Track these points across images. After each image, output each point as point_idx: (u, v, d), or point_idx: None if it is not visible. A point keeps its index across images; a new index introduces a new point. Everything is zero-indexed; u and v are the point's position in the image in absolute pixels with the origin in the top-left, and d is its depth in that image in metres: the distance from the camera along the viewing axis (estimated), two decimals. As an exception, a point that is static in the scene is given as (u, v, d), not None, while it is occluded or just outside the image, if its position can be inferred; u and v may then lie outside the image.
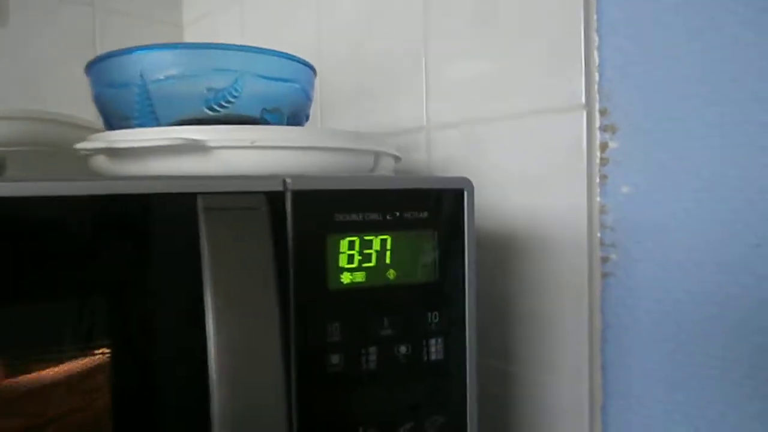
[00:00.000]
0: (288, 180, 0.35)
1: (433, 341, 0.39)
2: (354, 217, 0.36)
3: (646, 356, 0.48)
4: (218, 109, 0.43)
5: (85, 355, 0.34)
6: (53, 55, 0.66)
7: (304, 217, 0.35)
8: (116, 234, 0.32)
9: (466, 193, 0.39)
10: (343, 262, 0.36)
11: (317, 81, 0.53)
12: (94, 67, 0.44)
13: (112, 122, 0.46)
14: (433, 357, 0.39)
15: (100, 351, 0.35)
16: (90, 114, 0.53)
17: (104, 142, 0.41)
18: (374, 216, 0.37)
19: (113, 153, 0.41)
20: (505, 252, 0.56)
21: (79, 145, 0.42)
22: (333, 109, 0.74)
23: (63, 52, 0.53)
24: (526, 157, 0.54)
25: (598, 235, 0.51)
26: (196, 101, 0.43)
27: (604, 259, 0.50)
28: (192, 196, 0.32)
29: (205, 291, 0.32)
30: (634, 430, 0.49)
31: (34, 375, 0.38)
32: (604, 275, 0.51)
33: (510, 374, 0.56)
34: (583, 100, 0.51)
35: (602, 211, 0.51)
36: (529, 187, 0.54)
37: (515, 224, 0.56)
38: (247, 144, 0.42)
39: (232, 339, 0.32)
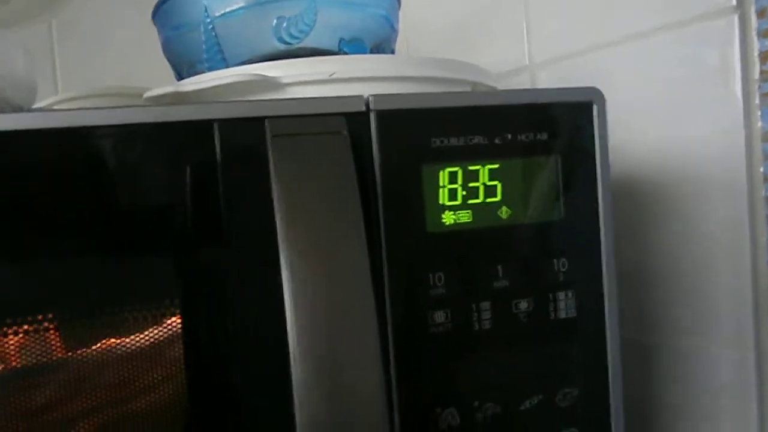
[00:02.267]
0: (371, 98, 0.29)
1: (561, 295, 0.31)
2: (454, 141, 0.29)
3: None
4: (290, 41, 0.38)
5: (154, 319, 0.30)
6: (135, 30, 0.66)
7: (392, 144, 0.29)
8: (174, 170, 0.27)
9: (595, 107, 0.31)
10: (443, 198, 0.30)
11: (400, 17, 0.47)
12: (159, 10, 0.41)
13: (181, 72, 0.42)
14: (562, 314, 0.31)
15: (171, 315, 0.31)
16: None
17: (172, 87, 0.38)
18: (480, 140, 0.30)
19: (181, 98, 0.37)
20: (636, 201, 0.47)
21: (148, 94, 0.39)
22: (418, 52, 0.67)
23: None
24: (657, 85, 0.45)
25: (761, 169, 0.41)
26: (266, 35, 0.38)
27: (772, 199, 0.40)
28: (259, 122, 0.27)
29: (279, 239, 0.27)
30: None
31: (100, 345, 0.35)
32: (773, 218, 0.40)
33: (648, 346, 0.47)
34: (734, 0, 0.40)
35: (766, 138, 0.40)
36: (663, 120, 0.45)
37: (648, 167, 0.46)
38: (325, 77, 0.36)
39: (314, 297, 0.26)
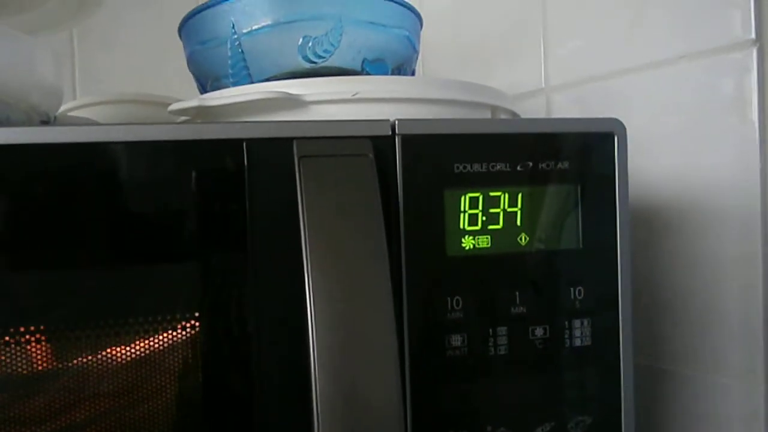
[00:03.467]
0: (396, 122, 0.29)
1: (577, 323, 0.31)
2: (477, 167, 0.30)
3: None
4: (315, 60, 0.38)
5: (172, 327, 0.31)
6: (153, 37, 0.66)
7: (416, 168, 0.29)
8: (202, 187, 0.28)
9: (616, 138, 0.31)
10: (464, 223, 0.30)
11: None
12: (186, 24, 0.41)
13: (205, 86, 0.43)
14: (577, 342, 0.31)
15: (189, 323, 0.32)
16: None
17: (197, 101, 0.38)
18: (501, 167, 0.30)
19: (205, 113, 0.38)
20: (651, 227, 0.47)
21: (173, 107, 0.39)
22: (434, 72, 0.67)
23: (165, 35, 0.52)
24: (675, 113, 0.45)
25: (776, 200, 0.41)
26: (291, 53, 0.38)
27: (786, 231, 0.40)
28: (287, 142, 0.27)
29: (303, 256, 0.27)
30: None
31: (115, 350, 0.35)
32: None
33: (660, 373, 0.47)
34: (753, 34, 0.41)
35: (781, 169, 0.40)
36: (679, 148, 0.45)
37: (662, 194, 0.46)
38: (348, 97, 0.37)
39: (335, 316, 0.27)
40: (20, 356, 0.32)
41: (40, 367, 0.31)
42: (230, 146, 0.28)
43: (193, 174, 0.28)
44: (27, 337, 0.31)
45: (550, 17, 0.54)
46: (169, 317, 0.29)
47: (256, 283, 0.28)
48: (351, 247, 0.27)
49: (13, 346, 0.30)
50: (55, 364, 0.33)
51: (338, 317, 0.27)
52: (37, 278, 0.28)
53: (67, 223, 0.26)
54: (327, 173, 0.27)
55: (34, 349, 0.32)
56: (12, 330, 0.28)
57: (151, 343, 0.34)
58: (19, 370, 0.31)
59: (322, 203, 0.27)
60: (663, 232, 0.46)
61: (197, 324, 0.31)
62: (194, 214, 0.28)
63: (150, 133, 0.26)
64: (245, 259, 0.28)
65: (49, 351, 0.33)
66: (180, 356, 0.35)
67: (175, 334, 0.33)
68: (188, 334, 0.33)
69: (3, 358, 0.31)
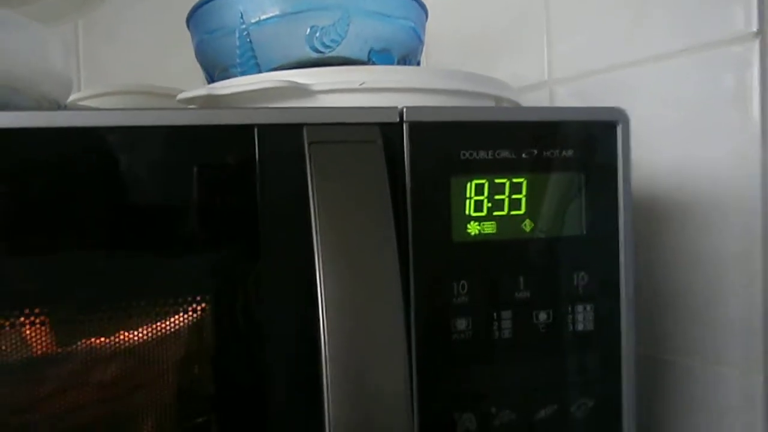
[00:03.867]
0: (404, 110, 0.30)
1: (580, 308, 0.32)
2: (483, 155, 0.30)
3: None
4: (322, 50, 0.39)
5: (180, 314, 0.31)
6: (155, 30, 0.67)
7: (423, 155, 0.30)
8: (213, 172, 0.28)
9: (620, 127, 0.32)
10: (469, 209, 0.31)
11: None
12: (194, 14, 0.42)
13: (213, 75, 0.43)
14: (580, 327, 0.32)
15: (197, 309, 0.32)
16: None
17: (205, 90, 0.38)
18: (507, 154, 0.30)
19: (214, 101, 0.38)
20: (651, 218, 0.47)
21: (181, 96, 0.40)
22: (438, 64, 0.67)
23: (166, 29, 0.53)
24: (677, 105, 0.45)
25: (776, 192, 0.41)
26: (299, 42, 0.39)
27: (786, 223, 0.40)
28: (297, 128, 0.28)
29: (313, 241, 0.28)
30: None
31: (123, 336, 0.36)
32: (787, 243, 0.40)
33: (660, 362, 0.47)
34: (755, 27, 0.41)
35: (782, 161, 0.41)
36: (681, 140, 0.45)
37: (664, 185, 0.47)
38: (355, 86, 0.37)
39: (344, 298, 0.27)
40: (22, 340, 0.33)
41: (43, 352, 0.32)
42: (241, 132, 0.28)
43: (204, 159, 0.28)
44: (31, 319, 0.31)
45: (552, 10, 0.55)
46: (177, 303, 0.30)
47: (266, 266, 0.29)
48: (360, 232, 0.28)
49: (15, 329, 0.31)
50: (57, 349, 0.33)
51: (348, 302, 0.27)
52: (41, 262, 0.29)
53: (75, 208, 0.27)
54: (336, 159, 0.28)
55: (37, 334, 0.33)
56: (15, 313, 0.29)
57: (161, 329, 0.34)
58: (22, 354, 0.32)
59: (331, 189, 0.28)
60: (664, 223, 0.47)
61: (206, 310, 0.32)
62: (204, 199, 0.29)
63: (161, 118, 0.27)
64: (255, 244, 0.29)
65: (52, 336, 0.34)
66: (189, 342, 0.36)
67: (183, 320, 0.33)
68: (197, 321, 0.34)
69: (5, 342, 0.32)
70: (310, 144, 0.28)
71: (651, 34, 0.47)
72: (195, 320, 0.36)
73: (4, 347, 0.32)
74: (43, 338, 0.33)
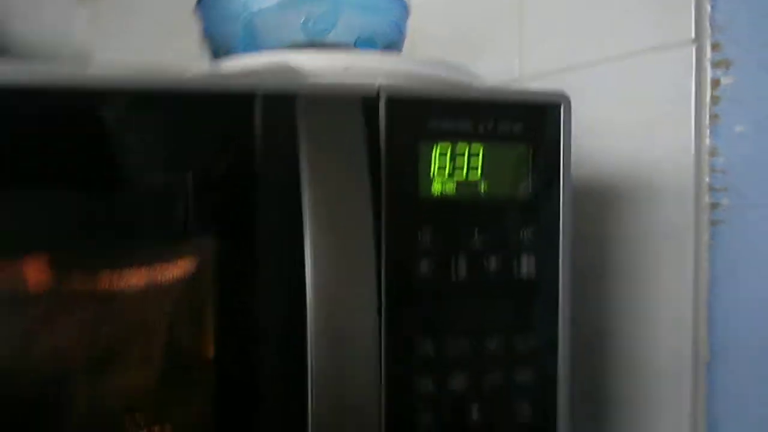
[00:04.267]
0: (381, 87, 0.36)
1: (524, 258, 0.38)
2: (447, 125, 0.36)
3: (763, 310, 0.44)
4: (315, 36, 0.45)
5: (175, 266, 0.37)
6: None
7: (396, 124, 0.36)
8: (219, 131, 0.34)
9: (563, 107, 0.38)
10: (434, 171, 0.37)
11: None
12: (203, 4, 0.47)
13: (218, 57, 0.49)
14: (524, 275, 0.38)
15: (193, 262, 0.38)
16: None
17: (208, 68, 0.44)
18: (467, 126, 0.37)
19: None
20: (601, 202, 0.54)
21: (187, 75, 0.45)
22: (419, 55, 0.73)
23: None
24: (625, 103, 0.52)
25: (707, 179, 0.48)
26: (295, 29, 0.45)
27: (714, 206, 0.47)
28: (291, 98, 0.34)
29: (302, 193, 0.33)
30: (745, 393, 0.45)
31: (125, 279, 0.41)
32: (714, 222, 0.47)
33: (602, 330, 0.54)
34: (693, 34, 0.47)
35: (712, 153, 0.47)
36: (628, 134, 0.51)
37: (614, 174, 0.53)
38: (341, 70, 0.43)
39: (327, 244, 0.33)
40: (19, 279, 0.37)
41: (40, 291, 0.37)
42: (241, 99, 0.34)
43: (210, 124, 0.34)
44: (29, 258, 0.36)
45: (525, 14, 0.61)
46: (171, 259, 0.35)
47: (265, 219, 0.35)
48: (341, 188, 0.34)
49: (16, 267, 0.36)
50: (53, 287, 0.38)
51: (331, 248, 0.33)
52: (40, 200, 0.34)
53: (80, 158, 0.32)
54: (324, 126, 0.34)
55: (35, 273, 0.38)
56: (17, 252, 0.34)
57: (152, 282, 0.40)
58: (19, 292, 0.37)
59: (318, 150, 0.34)
60: (613, 205, 0.53)
61: (200, 266, 0.37)
62: (202, 159, 0.34)
63: (170, 83, 0.33)
64: (251, 198, 0.35)
65: (49, 275, 0.39)
66: (180, 298, 0.42)
67: (176, 275, 0.39)
68: (191, 277, 0.39)
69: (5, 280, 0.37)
70: (303, 110, 0.34)
71: (606, 37, 0.53)
72: (188, 276, 0.42)
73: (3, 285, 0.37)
74: (40, 277, 0.38)
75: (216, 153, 0.35)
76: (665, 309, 0.49)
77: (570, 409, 0.39)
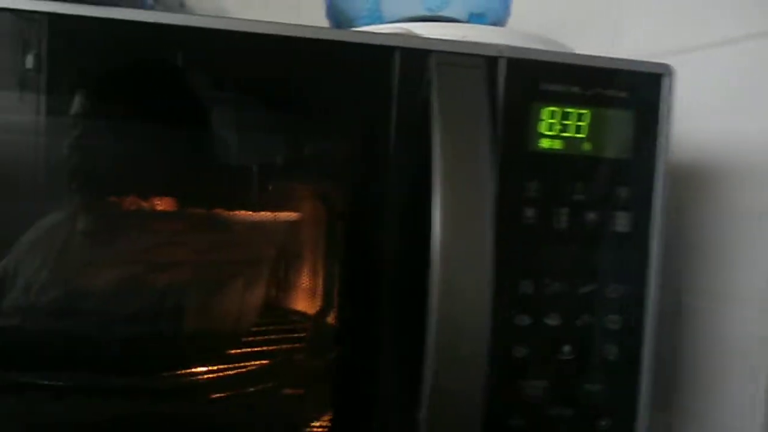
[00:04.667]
0: (502, 47, 0.40)
1: (621, 213, 0.42)
2: (558, 88, 0.41)
3: None
4: (434, 9, 0.50)
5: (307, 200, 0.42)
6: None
7: (513, 83, 0.40)
8: (359, 80, 0.39)
9: (667, 77, 0.42)
10: (543, 128, 0.41)
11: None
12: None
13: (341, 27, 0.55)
14: (620, 229, 0.42)
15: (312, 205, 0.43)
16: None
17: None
18: (577, 90, 0.41)
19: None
20: (687, 184, 0.56)
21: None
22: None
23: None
24: (719, 87, 0.54)
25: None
26: (415, 4, 0.50)
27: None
28: (426, 54, 0.39)
29: (433, 141, 0.38)
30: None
31: (246, 214, 0.46)
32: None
33: (684, 305, 0.56)
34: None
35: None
36: (720, 116, 0.54)
37: (707, 153, 0.55)
38: (459, 39, 0.48)
39: (453, 189, 0.37)
40: (149, 207, 0.43)
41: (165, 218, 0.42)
42: (383, 52, 0.39)
43: (350, 70, 0.39)
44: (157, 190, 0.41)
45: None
46: (295, 197, 0.41)
47: (395, 163, 0.39)
48: (465, 138, 0.38)
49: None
50: (178, 214, 0.43)
51: (454, 193, 0.37)
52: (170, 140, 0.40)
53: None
54: (453, 80, 0.39)
55: (162, 202, 0.43)
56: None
57: (274, 217, 0.45)
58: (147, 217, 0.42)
59: (447, 102, 0.38)
60: (699, 186, 0.55)
61: (320, 209, 0.42)
62: (340, 106, 0.40)
63: (314, 32, 0.38)
64: (382, 145, 0.40)
65: (175, 204, 0.43)
66: (304, 234, 0.47)
67: (300, 213, 0.44)
68: (317, 216, 0.44)
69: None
70: (436, 65, 0.38)
71: (705, 22, 0.55)
72: (311, 218, 0.47)
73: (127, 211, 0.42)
74: (167, 206, 0.43)
75: (354, 101, 0.40)
76: (751, 290, 0.51)
77: (653, 354, 0.42)
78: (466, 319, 0.37)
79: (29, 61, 0.35)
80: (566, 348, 0.41)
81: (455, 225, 0.37)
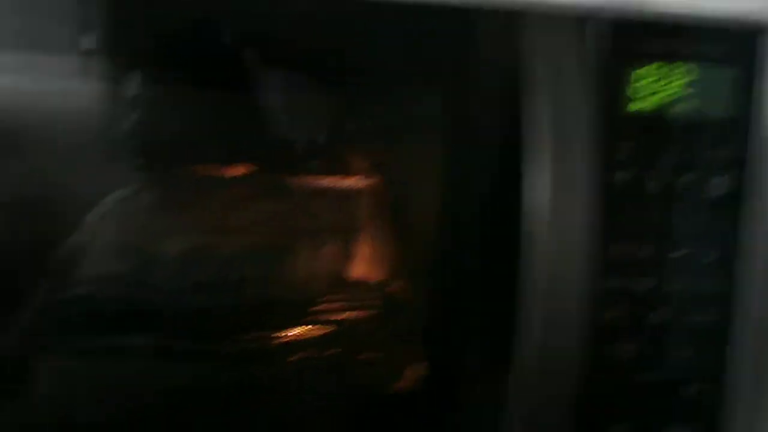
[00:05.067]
0: (599, 7, 0.39)
1: (717, 177, 0.40)
2: (657, 47, 0.39)
3: None
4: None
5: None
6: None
7: (610, 42, 0.39)
8: (452, 42, 0.39)
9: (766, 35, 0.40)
10: (638, 90, 0.40)
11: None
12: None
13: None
14: (715, 192, 0.41)
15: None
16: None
17: None
18: (675, 48, 0.39)
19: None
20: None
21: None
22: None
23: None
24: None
25: None
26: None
27: None
28: (521, 15, 0.38)
29: (523, 105, 0.37)
30: None
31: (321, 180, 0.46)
32: None
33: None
34: None
35: None
36: None
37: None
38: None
39: (544, 151, 0.36)
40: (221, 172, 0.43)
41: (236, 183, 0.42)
42: (475, 13, 0.39)
43: (444, 33, 0.39)
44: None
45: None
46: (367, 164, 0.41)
47: (487, 124, 0.39)
48: (561, 103, 0.37)
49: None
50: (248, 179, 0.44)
51: (550, 160, 0.37)
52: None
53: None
54: (547, 41, 0.38)
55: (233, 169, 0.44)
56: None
57: (346, 183, 0.45)
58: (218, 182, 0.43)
59: (541, 64, 0.38)
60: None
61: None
62: (427, 69, 0.40)
63: None
64: (466, 110, 0.40)
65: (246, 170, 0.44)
66: (379, 201, 0.47)
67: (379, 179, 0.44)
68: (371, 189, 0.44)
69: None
70: (528, 27, 0.38)
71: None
72: (380, 185, 0.47)
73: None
74: (238, 172, 0.44)
75: (445, 63, 0.40)
76: None
77: (746, 321, 0.41)
78: (562, 281, 0.37)
79: (89, 41, 0.37)
80: (656, 313, 0.41)
81: (551, 190, 0.37)
